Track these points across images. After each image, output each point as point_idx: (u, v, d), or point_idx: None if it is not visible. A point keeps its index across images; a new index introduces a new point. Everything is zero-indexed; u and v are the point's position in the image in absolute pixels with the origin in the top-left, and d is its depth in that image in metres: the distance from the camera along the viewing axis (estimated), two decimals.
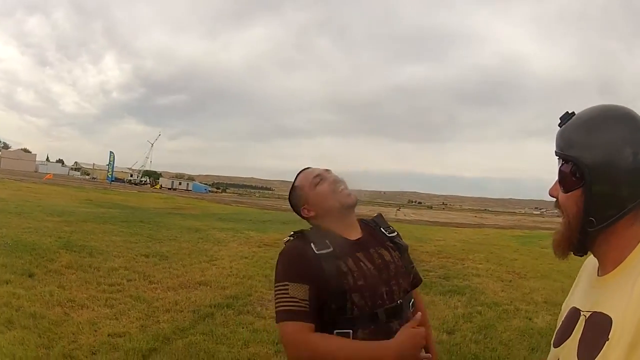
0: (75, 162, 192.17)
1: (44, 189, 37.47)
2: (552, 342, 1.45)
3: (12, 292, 7.10)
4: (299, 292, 1.96)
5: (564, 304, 1.53)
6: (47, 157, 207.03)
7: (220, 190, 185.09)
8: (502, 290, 10.32)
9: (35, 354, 5.17)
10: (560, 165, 1.34)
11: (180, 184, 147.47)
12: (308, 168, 2.36)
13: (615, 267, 1.27)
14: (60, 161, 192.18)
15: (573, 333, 1.31)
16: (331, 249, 2.05)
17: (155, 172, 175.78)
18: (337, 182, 2.24)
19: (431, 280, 10.52)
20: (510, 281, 11.57)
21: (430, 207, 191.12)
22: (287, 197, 2.39)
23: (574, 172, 1.29)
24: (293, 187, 2.33)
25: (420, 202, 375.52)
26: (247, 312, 7.46)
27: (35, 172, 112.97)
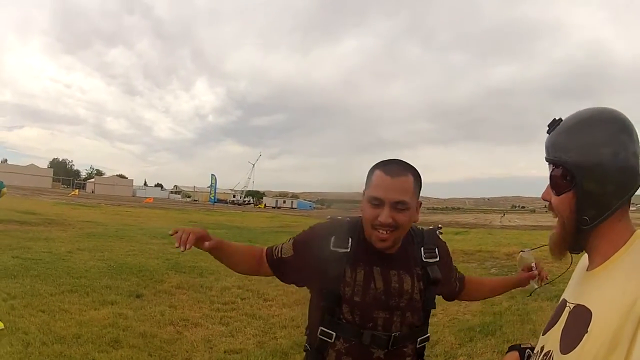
0: (175, 185, 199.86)
1: (144, 213, 39.23)
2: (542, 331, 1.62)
3: (118, 313, 7.38)
4: (285, 250, 2.29)
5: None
6: (145, 182, 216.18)
7: (325, 207, 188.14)
8: None
9: None
10: (550, 170, 1.49)
11: (284, 202, 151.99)
12: (398, 177, 2.09)
13: (602, 263, 1.41)
14: (159, 185, 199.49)
15: (557, 323, 1.48)
16: (348, 250, 2.13)
17: (258, 191, 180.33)
18: (383, 224, 2.04)
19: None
20: None
21: (534, 211, 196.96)
22: None
23: (564, 175, 1.43)
24: (372, 170, 2.17)
25: (523, 207, 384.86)
26: None
27: (133, 196, 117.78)
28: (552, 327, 1.50)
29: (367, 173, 2.19)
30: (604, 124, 1.39)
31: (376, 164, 2.16)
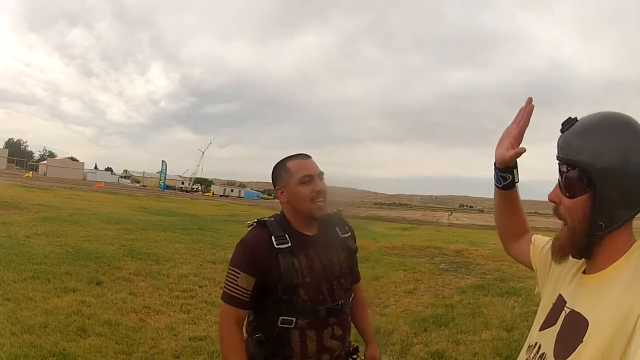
0: (125, 170, 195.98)
1: (96, 197, 38.61)
2: (539, 324, 1.59)
3: (81, 300, 7.42)
4: (246, 282, 2.37)
5: (550, 285, 1.67)
6: (95, 165, 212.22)
7: (272, 197, 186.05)
8: None
9: None
10: (565, 170, 1.45)
11: (232, 190, 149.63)
12: (309, 158, 2.59)
13: (601, 269, 1.42)
14: (109, 169, 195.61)
15: (555, 324, 1.48)
16: (289, 244, 2.42)
17: (207, 179, 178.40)
18: (320, 192, 2.48)
19: (489, 283, 11.60)
20: None
21: (482, 211, 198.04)
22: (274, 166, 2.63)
23: (581, 177, 1.40)
24: (284, 165, 2.58)
25: (471, 206, 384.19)
26: None
27: (84, 180, 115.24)
28: (549, 327, 1.51)
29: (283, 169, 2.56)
30: (622, 129, 1.38)
31: (282, 161, 2.59)
